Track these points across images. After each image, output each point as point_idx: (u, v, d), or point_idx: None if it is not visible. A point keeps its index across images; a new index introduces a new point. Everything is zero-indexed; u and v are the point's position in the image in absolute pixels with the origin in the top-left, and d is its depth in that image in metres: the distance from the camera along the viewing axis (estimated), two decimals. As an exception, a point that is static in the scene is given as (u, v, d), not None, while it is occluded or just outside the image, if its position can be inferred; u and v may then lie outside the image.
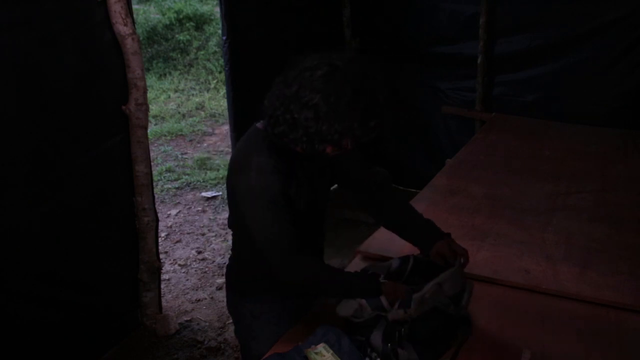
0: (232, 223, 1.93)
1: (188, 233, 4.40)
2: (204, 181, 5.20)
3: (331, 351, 1.63)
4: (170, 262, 4.02)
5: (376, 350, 1.64)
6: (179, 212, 4.73)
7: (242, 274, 1.98)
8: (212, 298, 3.58)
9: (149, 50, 7.95)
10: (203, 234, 4.36)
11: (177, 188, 5.11)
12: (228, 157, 4.45)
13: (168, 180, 5.23)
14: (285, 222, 1.67)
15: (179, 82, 7.50)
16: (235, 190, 1.73)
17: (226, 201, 2.01)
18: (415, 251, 1.94)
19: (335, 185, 2.01)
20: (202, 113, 6.73)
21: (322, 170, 1.85)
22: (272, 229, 1.66)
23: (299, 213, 1.74)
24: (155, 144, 5.90)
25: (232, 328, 3.08)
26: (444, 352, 1.69)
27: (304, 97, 1.55)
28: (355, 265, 2.15)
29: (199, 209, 4.74)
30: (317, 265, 1.76)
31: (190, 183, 5.18)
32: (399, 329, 1.62)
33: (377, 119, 1.59)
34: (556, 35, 3.90)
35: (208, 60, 7.79)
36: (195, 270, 3.92)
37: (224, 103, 6.66)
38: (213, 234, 4.33)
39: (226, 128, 6.05)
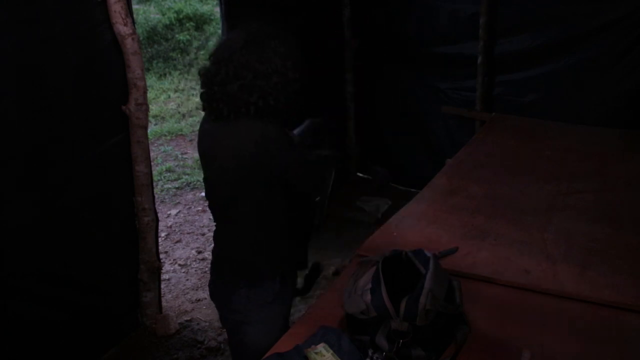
0: (241, 207, 1.97)
1: (188, 233, 4.40)
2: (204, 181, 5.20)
3: (331, 351, 1.63)
4: (170, 262, 4.02)
5: (381, 351, 1.64)
6: (179, 212, 4.73)
7: (242, 256, 2.02)
8: (212, 298, 3.58)
9: (149, 50, 7.95)
10: (203, 234, 4.36)
11: (177, 188, 5.11)
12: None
13: (168, 180, 5.23)
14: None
15: (179, 82, 7.50)
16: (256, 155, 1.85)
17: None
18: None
19: None
20: (202, 113, 6.73)
21: None
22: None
23: None
24: (155, 144, 5.89)
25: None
26: (445, 350, 1.69)
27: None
28: (354, 265, 2.15)
29: (199, 209, 4.74)
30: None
31: (190, 183, 5.18)
32: (399, 340, 1.62)
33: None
34: (556, 35, 3.90)
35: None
36: (195, 270, 3.92)
37: (224, 103, 6.65)
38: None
39: (226, 128, 6.04)
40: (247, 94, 1.84)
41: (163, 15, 8.59)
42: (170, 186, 5.13)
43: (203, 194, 4.95)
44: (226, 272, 2.07)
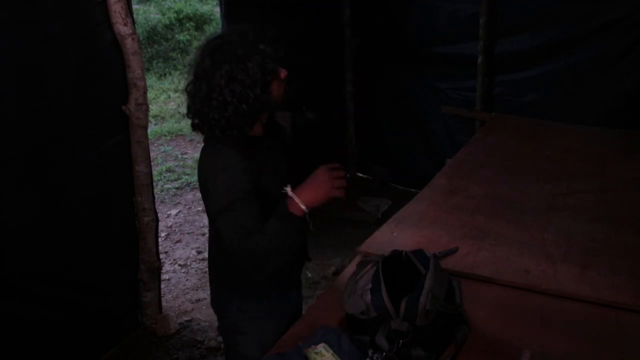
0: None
1: (188, 233, 4.40)
2: (204, 181, 5.20)
3: (331, 351, 1.63)
4: (170, 262, 4.03)
5: (381, 351, 1.64)
6: (179, 212, 4.73)
7: (229, 270, 2.01)
8: (212, 298, 3.58)
9: (149, 50, 7.96)
10: (203, 234, 4.36)
11: (177, 188, 5.12)
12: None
13: (168, 180, 5.24)
14: (248, 213, 1.73)
15: (179, 82, 7.50)
16: (207, 188, 1.82)
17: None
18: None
19: None
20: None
21: (279, 155, 1.98)
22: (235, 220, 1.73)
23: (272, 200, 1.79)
24: (155, 144, 5.90)
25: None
26: (445, 350, 1.69)
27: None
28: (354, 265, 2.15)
29: (199, 209, 4.74)
30: (255, 241, 1.73)
31: (190, 183, 5.19)
32: (399, 340, 1.62)
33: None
34: (556, 35, 3.90)
35: (208, 60, 7.80)
36: (195, 270, 3.92)
37: (224, 103, 6.67)
38: (213, 234, 4.33)
39: (226, 128, 6.05)
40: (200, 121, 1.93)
41: (163, 15, 8.60)
42: (170, 186, 5.13)
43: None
44: (219, 281, 2.06)
